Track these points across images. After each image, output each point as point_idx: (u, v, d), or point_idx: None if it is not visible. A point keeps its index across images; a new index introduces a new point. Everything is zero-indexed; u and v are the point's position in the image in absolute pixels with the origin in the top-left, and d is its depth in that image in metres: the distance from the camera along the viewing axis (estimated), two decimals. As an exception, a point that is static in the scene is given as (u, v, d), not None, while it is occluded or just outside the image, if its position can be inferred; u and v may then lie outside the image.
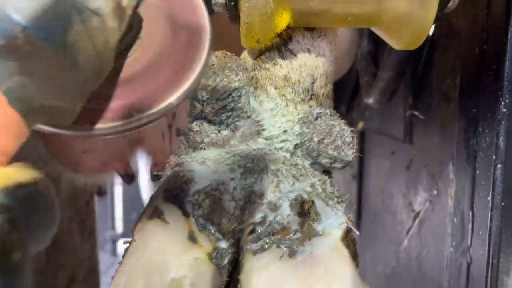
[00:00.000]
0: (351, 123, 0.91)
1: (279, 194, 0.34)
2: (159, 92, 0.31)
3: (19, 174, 0.21)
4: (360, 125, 0.89)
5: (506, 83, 0.44)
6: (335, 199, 0.35)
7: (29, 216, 0.21)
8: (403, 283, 0.72)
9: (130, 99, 0.30)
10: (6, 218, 0.20)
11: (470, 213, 0.50)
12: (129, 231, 0.34)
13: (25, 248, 0.21)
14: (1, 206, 0.20)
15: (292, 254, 0.32)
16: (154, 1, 0.32)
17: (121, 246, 2.11)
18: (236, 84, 0.36)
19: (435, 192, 0.61)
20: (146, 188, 1.30)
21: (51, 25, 0.22)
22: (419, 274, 0.66)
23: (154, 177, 0.77)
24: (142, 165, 1.08)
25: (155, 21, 0.32)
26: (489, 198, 0.46)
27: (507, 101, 0.44)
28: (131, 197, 2.06)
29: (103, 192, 0.90)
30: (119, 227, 2.20)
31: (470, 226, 0.50)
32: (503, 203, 0.45)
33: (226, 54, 0.38)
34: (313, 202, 0.34)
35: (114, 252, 2.13)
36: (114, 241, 2.14)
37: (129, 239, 0.34)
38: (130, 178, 0.79)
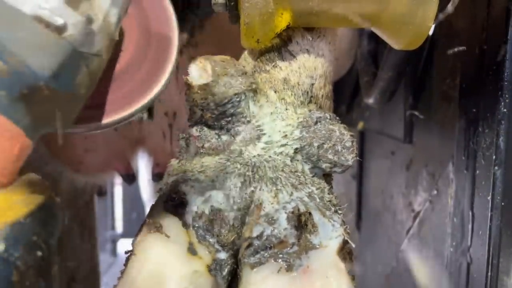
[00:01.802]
0: (351, 123, 0.91)
1: (277, 205, 0.34)
2: (131, 95, 0.34)
3: (35, 195, 0.25)
4: (360, 125, 0.89)
5: (506, 83, 0.44)
6: (333, 208, 0.35)
7: (52, 230, 0.25)
8: (403, 283, 0.72)
9: (107, 99, 0.33)
10: (42, 241, 0.24)
11: (470, 213, 0.50)
12: (129, 231, 0.34)
13: (56, 258, 0.26)
14: (36, 233, 0.23)
15: (289, 268, 0.32)
16: (131, 11, 0.34)
17: (121, 246, 2.11)
18: (236, 89, 0.36)
19: (435, 192, 0.61)
20: (146, 188, 1.30)
21: (64, 74, 0.26)
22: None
23: (155, 177, 0.77)
24: (143, 165, 1.08)
25: (131, 30, 0.35)
26: (489, 198, 0.46)
27: (507, 101, 0.44)
28: (131, 197, 2.06)
29: (103, 192, 0.90)
30: (119, 227, 2.20)
31: (470, 226, 0.50)
32: (503, 203, 0.45)
33: (225, 59, 0.38)
34: (310, 213, 0.34)
35: (114, 252, 2.13)
36: (114, 241, 2.14)
37: (131, 239, 0.34)
38: (130, 178, 0.79)
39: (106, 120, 0.33)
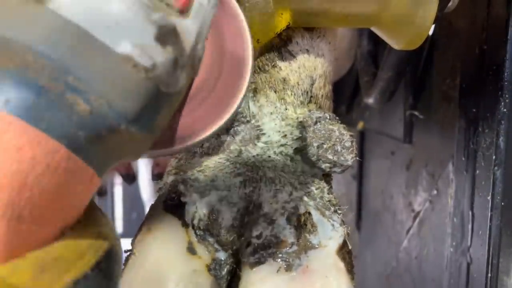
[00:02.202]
0: (351, 123, 0.91)
1: (276, 205, 0.34)
2: (203, 118, 0.31)
3: (101, 239, 0.23)
4: (360, 125, 0.89)
5: (506, 83, 0.44)
6: (332, 208, 0.35)
7: (116, 282, 0.23)
8: (403, 283, 0.72)
9: (177, 124, 0.30)
10: None
11: (470, 213, 0.50)
12: (129, 231, 0.34)
13: None
14: (99, 284, 0.21)
15: (288, 268, 0.32)
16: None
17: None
18: None
19: (435, 192, 0.61)
20: (146, 188, 1.31)
21: (146, 116, 0.24)
22: (419, 274, 0.66)
23: (155, 177, 0.77)
24: (143, 165, 1.08)
25: (206, 52, 0.31)
26: (489, 198, 0.46)
27: (507, 101, 0.44)
28: (131, 197, 2.06)
29: (103, 192, 0.90)
30: (119, 226, 2.20)
31: (470, 226, 0.50)
32: (503, 203, 0.45)
33: None
34: (309, 213, 0.34)
35: (114, 252, 2.13)
36: (114, 241, 2.14)
37: (131, 239, 0.34)
38: (130, 178, 0.79)
39: (176, 146, 0.30)
